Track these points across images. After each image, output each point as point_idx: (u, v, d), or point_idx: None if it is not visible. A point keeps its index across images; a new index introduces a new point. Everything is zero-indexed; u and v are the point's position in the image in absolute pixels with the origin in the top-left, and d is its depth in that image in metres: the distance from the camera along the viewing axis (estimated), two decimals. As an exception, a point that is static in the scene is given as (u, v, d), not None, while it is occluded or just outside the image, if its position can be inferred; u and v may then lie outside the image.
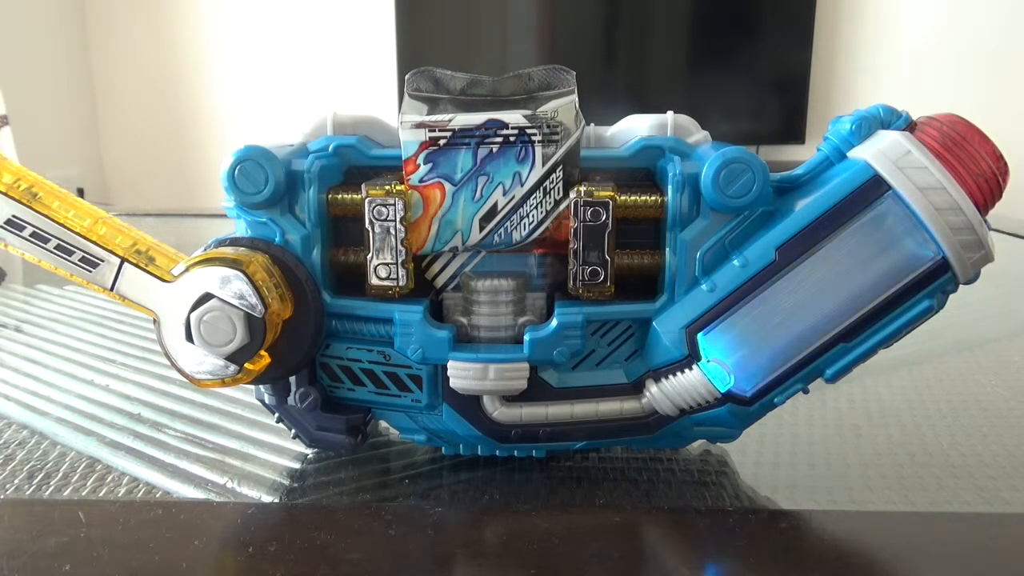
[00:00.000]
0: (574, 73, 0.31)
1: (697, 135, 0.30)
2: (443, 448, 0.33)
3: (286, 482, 0.32)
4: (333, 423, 0.32)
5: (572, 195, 0.29)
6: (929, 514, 0.29)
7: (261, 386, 0.32)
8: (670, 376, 0.29)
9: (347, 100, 2.19)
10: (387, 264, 0.30)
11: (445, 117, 0.29)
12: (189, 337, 0.28)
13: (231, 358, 0.28)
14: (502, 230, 0.29)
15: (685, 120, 0.31)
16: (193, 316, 0.27)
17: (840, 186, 0.28)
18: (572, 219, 0.29)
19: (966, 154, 0.27)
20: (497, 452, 0.32)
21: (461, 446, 0.32)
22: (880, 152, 0.27)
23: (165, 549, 0.26)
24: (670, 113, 0.30)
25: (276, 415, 0.33)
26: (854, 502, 0.30)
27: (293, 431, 0.33)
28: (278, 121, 2.21)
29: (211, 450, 0.34)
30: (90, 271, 0.29)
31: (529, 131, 0.29)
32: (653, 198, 0.29)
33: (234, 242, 0.30)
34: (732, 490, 0.31)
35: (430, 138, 0.29)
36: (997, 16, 1.97)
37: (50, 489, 0.31)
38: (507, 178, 0.29)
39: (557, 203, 0.29)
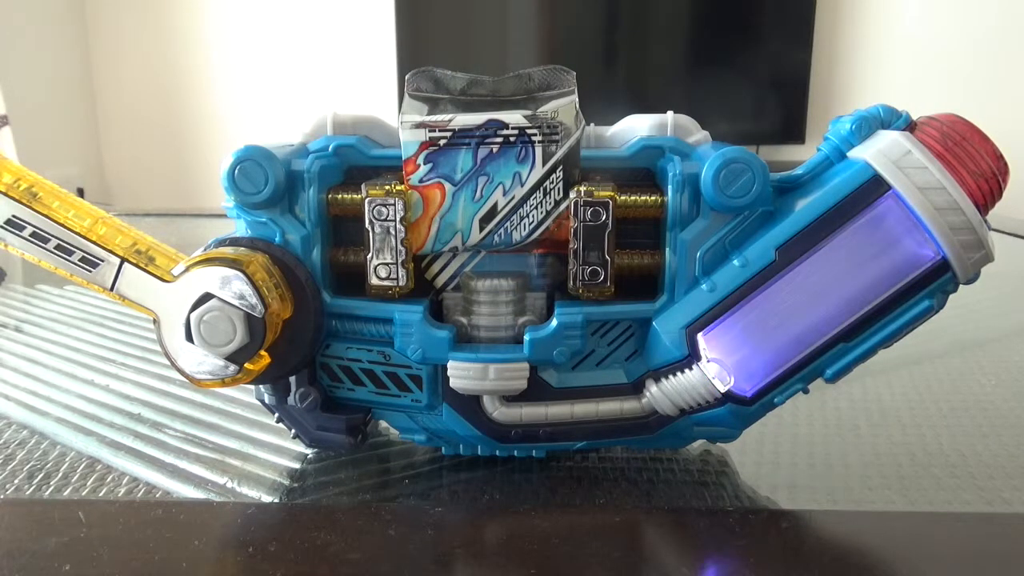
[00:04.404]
0: (574, 73, 0.31)
1: (697, 135, 0.30)
2: (443, 448, 0.33)
3: (286, 482, 0.32)
4: (333, 423, 0.32)
5: (572, 195, 0.29)
6: (929, 514, 0.29)
7: (261, 386, 0.32)
8: (670, 376, 0.29)
9: (347, 100, 2.19)
10: (387, 264, 0.30)
11: (445, 117, 0.29)
12: (189, 337, 0.28)
13: (231, 358, 0.28)
14: (502, 230, 0.29)
15: (685, 120, 0.30)
16: (193, 316, 0.27)
17: (840, 186, 0.28)
18: (572, 219, 0.29)
19: (966, 154, 0.27)
20: (497, 452, 0.32)
21: (461, 446, 0.32)
22: (880, 152, 0.27)
23: (165, 549, 0.26)
24: (670, 113, 0.30)
25: (276, 415, 0.33)
26: (854, 502, 0.30)
27: (293, 431, 0.33)
28: (278, 121, 2.21)
29: (211, 450, 0.34)
30: (90, 271, 0.29)
31: (529, 131, 0.29)
32: (653, 198, 0.29)
33: (234, 242, 0.30)
34: (732, 490, 0.31)
35: (430, 138, 0.29)
36: (997, 16, 1.97)
37: (50, 489, 0.31)
38: (507, 178, 0.29)
39: (557, 203, 0.29)
